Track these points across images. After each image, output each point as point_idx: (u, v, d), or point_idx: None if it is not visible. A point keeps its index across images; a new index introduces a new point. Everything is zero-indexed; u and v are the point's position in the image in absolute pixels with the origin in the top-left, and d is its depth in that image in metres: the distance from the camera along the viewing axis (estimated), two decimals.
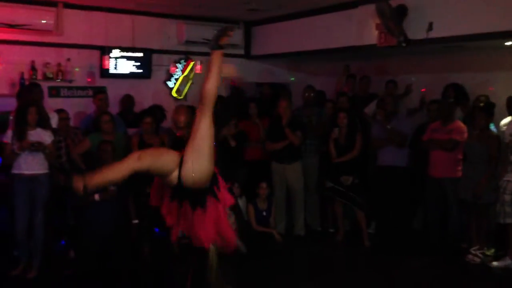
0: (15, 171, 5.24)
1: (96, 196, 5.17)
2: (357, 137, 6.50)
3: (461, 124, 6.08)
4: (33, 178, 5.24)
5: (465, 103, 6.62)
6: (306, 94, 7.21)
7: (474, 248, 5.81)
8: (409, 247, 6.26)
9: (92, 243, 5.17)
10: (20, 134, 5.17)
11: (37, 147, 5.15)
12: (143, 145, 5.84)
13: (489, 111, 5.89)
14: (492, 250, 5.89)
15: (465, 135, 5.93)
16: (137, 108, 7.44)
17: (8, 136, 5.25)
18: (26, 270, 5.27)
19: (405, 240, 6.42)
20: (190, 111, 4.53)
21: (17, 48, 7.01)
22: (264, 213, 6.35)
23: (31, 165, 5.22)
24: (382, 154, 6.54)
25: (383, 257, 6.05)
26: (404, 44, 6.27)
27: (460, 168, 5.93)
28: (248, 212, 6.29)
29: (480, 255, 5.76)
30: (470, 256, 5.80)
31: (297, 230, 6.81)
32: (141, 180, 5.68)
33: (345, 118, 6.46)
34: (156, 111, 6.83)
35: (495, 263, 5.63)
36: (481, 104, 6.35)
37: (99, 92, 6.87)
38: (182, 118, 4.32)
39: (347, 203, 6.50)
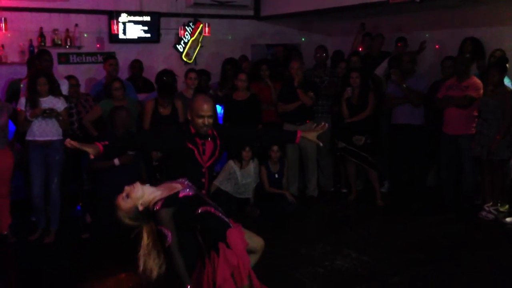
0: (29, 137, 5.29)
1: (116, 161, 5.22)
2: (370, 96, 6.42)
3: (477, 80, 5.93)
4: (47, 144, 5.28)
5: (481, 59, 6.47)
6: (318, 55, 7.09)
7: (487, 204, 5.78)
8: (423, 205, 6.25)
9: (109, 207, 5.22)
10: (32, 103, 5.19)
11: (49, 113, 5.16)
12: (157, 113, 5.84)
13: (502, 67, 5.72)
14: (506, 207, 5.88)
15: (481, 91, 5.79)
16: (146, 73, 7.41)
17: (22, 104, 5.27)
18: (43, 235, 5.39)
19: (418, 198, 6.41)
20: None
21: (24, 15, 6.97)
22: (276, 175, 6.36)
23: (44, 131, 5.25)
24: (397, 112, 6.46)
25: (396, 215, 6.06)
26: (417, 0, 6.10)
27: (474, 125, 5.85)
28: (261, 174, 6.31)
29: (494, 211, 5.74)
30: (483, 213, 5.78)
31: (310, 191, 6.83)
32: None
33: (357, 78, 6.37)
34: (167, 76, 6.77)
35: (508, 219, 5.62)
36: (494, 60, 6.20)
37: (109, 58, 6.82)
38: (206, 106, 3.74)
39: (359, 163, 6.49)
